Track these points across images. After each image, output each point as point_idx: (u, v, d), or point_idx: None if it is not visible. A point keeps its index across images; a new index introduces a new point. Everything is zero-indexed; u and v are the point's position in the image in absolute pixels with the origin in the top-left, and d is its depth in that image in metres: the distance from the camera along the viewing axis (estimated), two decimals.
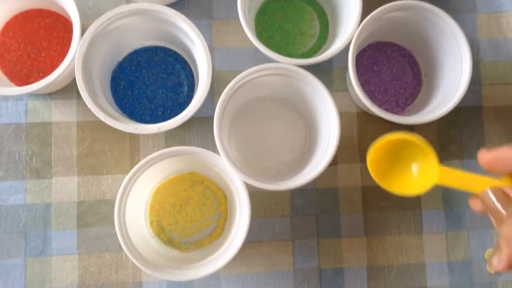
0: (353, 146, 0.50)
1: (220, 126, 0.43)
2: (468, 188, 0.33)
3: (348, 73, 0.51)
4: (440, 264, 0.49)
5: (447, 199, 0.50)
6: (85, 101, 0.42)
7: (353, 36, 0.44)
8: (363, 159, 0.50)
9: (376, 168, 0.38)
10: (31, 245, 0.47)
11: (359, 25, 0.44)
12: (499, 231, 0.26)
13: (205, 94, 0.43)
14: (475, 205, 0.34)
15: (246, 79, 0.44)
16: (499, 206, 0.27)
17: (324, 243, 0.49)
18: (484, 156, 0.28)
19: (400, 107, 0.51)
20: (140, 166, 0.43)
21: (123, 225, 0.42)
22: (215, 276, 0.48)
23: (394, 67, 0.52)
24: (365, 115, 0.51)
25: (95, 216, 0.48)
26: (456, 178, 0.34)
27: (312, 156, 0.47)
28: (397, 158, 0.39)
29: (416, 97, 0.51)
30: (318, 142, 0.47)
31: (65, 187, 0.48)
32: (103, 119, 0.42)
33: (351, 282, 0.48)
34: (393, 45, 0.52)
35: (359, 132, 0.50)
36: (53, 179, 0.48)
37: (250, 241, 0.49)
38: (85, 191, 0.48)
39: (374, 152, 0.38)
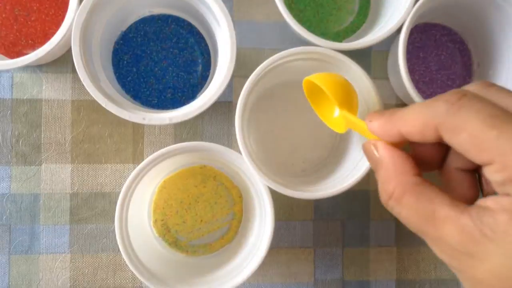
0: None
1: (242, 119, 0.36)
2: (362, 133, 0.30)
3: (390, 59, 0.44)
4: None
5: None
6: (82, 80, 0.35)
7: (408, 15, 0.37)
8: None
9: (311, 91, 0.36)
10: (16, 240, 0.41)
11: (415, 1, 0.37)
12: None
13: (226, 81, 0.36)
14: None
15: (276, 64, 0.37)
16: (369, 159, 0.27)
17: (349, 252, 0.43)
18: (367, 126, 0.27)
19: None
20: (146, 164, 0.36)
21: (125, 235, 0.35)
22: None
23: (443, 54, 0.44)
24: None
25: (91, 211, 0.42)
26: (353, 125, 0.32)
27: (343, 155, 0.41)
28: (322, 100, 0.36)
29: None
30: (351, 139, 0.41)
31: (57, 176, 0.41)
32: (103, 105, 0.35)
33: None
34: (443, 28, 0.45)
35: None
36: (43, 166, 0.41)
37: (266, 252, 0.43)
38: (80, 182, 0.42)
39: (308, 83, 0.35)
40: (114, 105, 0.35)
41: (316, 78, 0.34)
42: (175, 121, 0.35)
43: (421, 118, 0.23)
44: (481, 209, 0.21)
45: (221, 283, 0.36)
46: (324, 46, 0.37)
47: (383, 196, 0.25)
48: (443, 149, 0.26)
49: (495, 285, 0.20)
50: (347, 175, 0.37)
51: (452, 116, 0.21)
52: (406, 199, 0.23)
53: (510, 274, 0.20)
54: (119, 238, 0.35)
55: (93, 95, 0.35)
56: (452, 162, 0.25)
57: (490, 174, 0.21)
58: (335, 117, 0.35)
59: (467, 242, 0.21)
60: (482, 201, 0.21)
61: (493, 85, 0.24)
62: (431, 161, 0.26)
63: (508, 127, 0.20)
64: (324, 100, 0.36)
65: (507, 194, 0.20)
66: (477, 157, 0.21)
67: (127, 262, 0.35)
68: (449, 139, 0.22)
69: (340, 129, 0.34)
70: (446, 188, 0.25)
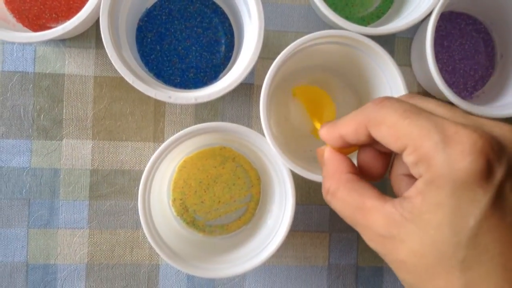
0: None
1: (267, 102, 0.36)
2: None
3: (415, 46, 0.44)
4: None
5: None
6: (110, 56, 0.35)
7: (437, 2, 0.37)
8: None
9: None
10: (35, 214, 0.41)
11: None
12: None
13: (253, 63, 0.36)
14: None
15: (302, 46, 0.37)
16: (319, 162, 0.30)
17: None
18: (321, 130, 0.30)
19: (468, 92, 0.44)
20: (171, 142, 0.36)
21: (147, 212, 0.36)
22: None
23: (467, 44, 0.44)
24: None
25: (110, 188, 0.42)
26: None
27: None
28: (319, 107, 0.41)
29: (487, 81, 0.44)
30: None
31: (77, 152, 0.41)
32: (130, 82, 0.35)
33: (390, 283, 0.44)
34: (468, 17, 0.44)
35: None
36: (64, 141, 0.41)
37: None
38: (100, 158, 0.42)
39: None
40: (141, 83, 0.35)
41: (298, 89, 0.40)
42: (200, 100, 0.35)
43: (355, 119, 0.26)
44: (402, 198, 0.23)
45: (240, 263, 0.36)
46: (352, 30, 0.37)
47: (323, 192, 0.28)
48: (382, 159, 0.28)
49: (416, 263, 0.22)
50: None
51: (376, 112, 0.25)
52: (340, 193, 0.26)
53: (427, 250, 0.22)
54: (142, 215, 0.35)
55: (120, 72, 0.34)
56: (396, 169, 0.28)
57: (406, 158, 0.23)
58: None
59: (389, 226, 0.23)
60: (405, 193, 0.23)
61: (417, 95, 0.28)
62: (373, 169, 0.29)
63: (418, 117, 0.23)
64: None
65: (420, 175, 0.23)
66: (395, 145, 0.24)
67: (149, 238, 0.35)
68: (374, 133, 0.25)
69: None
70: (396, 193, 0.28)
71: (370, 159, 0.28)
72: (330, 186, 0.27)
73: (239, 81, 0.36)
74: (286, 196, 0.37)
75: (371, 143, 0.27)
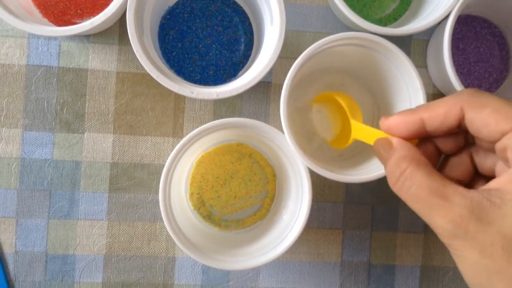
0: None
1: (287, 100, 0.37)
2: (371, 141, 0.33)
3: (431, 48, 0.44)
4: None
5: None
6: (135, 52, 0.35)
7: (455, 5, 0.38)
8: None
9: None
10: (56, 205, 0.42)
11: None
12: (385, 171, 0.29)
13: (273, 61, 0.36)
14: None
15: (323, 48, 0.37)
16: (382, 150, 0.29)
17: (377, 236, 0.44)
18: (382, 123, 0.30)
19: None
20: (191, 137, 0.37)
21: (168, 204, 0.36)
22: None
23: (482, 47, 0.45)
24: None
25: (130, 181, 0.43)
26: (363, 132, 0.35)
27: None
28: (337, 115, 0.41)
29: (501, 83, 0.45)
30: None
31: (99, 145, 0.42)
32: (155, 77, 0.35)
33: (402, 281, 0.44)
34: (484, 20, 0.45)
35: None
36: (85, 134, 0.42)
37: None
38: (121, 152, 0.43)
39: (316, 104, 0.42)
40: (164, 77, 0.36)
41: (331, 94, 0.40)
42: (222, 96, 0.36)
43: (446, 103, 0.27)
44: (486, 189, 0.24)
45: (255, 256, 0.37)
46: (371, 30, 0.38)
47: (395, 173, 0.27)
48: (435, 158, 0.29)
49: (505, 245, 0.22)
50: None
51: (476, 97, 0.26)
52: (419, 176, 0.26)
53: None
54: (162, 207, 0.36)
55: (145, 67, 0.35)
56: (448, 171, 0.29)
57: (508, 139, 0.24)
58: (341, 133, 0.41)
59: (476, 208, 0.23)
60: (484, 186, 0.24)
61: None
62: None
63: None
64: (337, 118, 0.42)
65: None
66: (496, 128, 0.24)
67: (168, 228, 0.36)
68: (472, 115, 0.25)
69: (341, 144, 0.39)
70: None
71: (427, 155, 0.29)
72: (407, 168, 0.26)
73: (259, 78, 0.36)
74: (303, 191, 0.38)
75: (448, 131, 0.27)
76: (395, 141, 0.29)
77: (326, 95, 0.42)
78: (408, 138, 0.29)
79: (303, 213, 0.37)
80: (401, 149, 0.28)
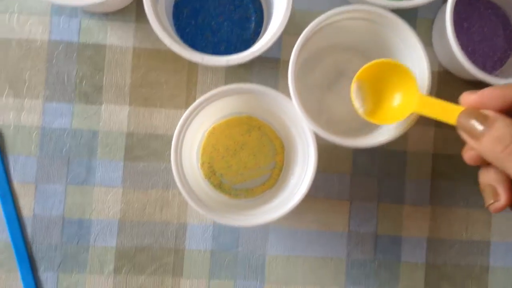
0: None
1: (295, 68, 0.38)
2: (445, 118, 0.33)
3: (436, 25, 0.46)
4: (506, 245, 0.45)
5: None
6: (150, 22, 0.38)
7: None
8: (438, 124, 0.45)
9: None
10: (73, 172, 0.44)
11: None
12: (477, 149, 0.29)
13: (281, 29, 0.39)
14: (468, 154, 0.34)
15: (327, 22, 0.39)
16: (475, 123, 0.29)
17: (384, 207, 0.45)
18: (468, 98, 0.30)
19: (487, 71, 0.46)
20: (200, 102, 0.39)
21: (179, 162, 0.38)
22: (262, 226, 0.45)
23: (486, 27, 0.46)
24: (447, 76, 0.46)
25: (144, 151, 0.45)
26: (434, 106, 0.34)
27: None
28: (379, 87, 0.38)
29: (505, 62, 0.46)
30: None
31: (115, 116, 0.45)
32: (168, 44, 0.38)
33: (409, 252, 0.45)
34: (487, 2, 0.46)
35: (438, 94, 0.46)
36: (103, 106, 0.45)
37: (305, 196, 0.45)
38: (136, 123, 0.45)
39: (360, 76, 0.38)
40: (177, 45, 0.38)
41: (391, 60, 0.37)
42: (231, 63, 0.38)
43: None
44: None
45: (264, 215, 0.39)
46: (378, 3, 0.39)
47: (505, 140, 0.28)
48: None
49: None
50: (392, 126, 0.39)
51: None
52: None
53: None
54: (174, 165, 0.38)
55: (158, 34, 0.38)
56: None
57: None
58: (395, 107, 0.38)
59: None
60: None
61: None
62: None
63: None
64: (376, 93, 0.39)
65: None
66: None
67: (179, 186, 0.37)
68: None
69: (401, 115, 0.37)
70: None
71: None
72: None
73: (268, 46, 0.38)
74: (309, 155, 0.39)
75: None
76: (491, 113, 0.30)
77: (380, 64, 0.38)
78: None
79: (310, 170, 0.38)
80: (503, 119, 0.29)
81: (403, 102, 0.38)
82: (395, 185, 0.45)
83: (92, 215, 0.44)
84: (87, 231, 0.44)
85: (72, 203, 0.44)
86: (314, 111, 0.45)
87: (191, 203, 0.38)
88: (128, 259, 0.44)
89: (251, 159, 0.45)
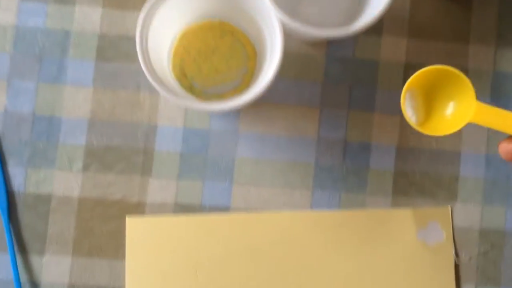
0: (402, 19, 0.46)
1: None
2: (506, 128, 0.32)
3: None
4: (476, 156, 0.45)
5: (495, 91, 0.46)
6: None
7: None
8: (411, 34, 0.46)
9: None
10: (45, 70, 0.44)
11: None
12: None
13: None
14: (505, 150, 0.33)
15: None
16: None
17: (354, 115, 0.45)
18: (506, 148, 0.30)
19: None
20: None
21: (147, 59, 0.37)
22: (233, 131, 0.45)
23: None
24: None
25: (116, 52, 0.45)
26: (493, 115, 0.33)
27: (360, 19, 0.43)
28: (432, 95, 0.36)
29: None
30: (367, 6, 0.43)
31: (88, 17, 0.45)
32: None
33: (377, 159, 0.45)
34: None
35: (412, 3, 0.46)
36: (77, 6, 0.45)
37: (276, 103, 0.45)
38: (108, 24, 0.45)
39: (412, 83, 0.35)
40: None
41: (446, 67, 0.34)
42: None
43: None
44: None
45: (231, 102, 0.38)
46: None
47: None
48: None
49: None
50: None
51: None
52: None
53: None
54: (141, 58, 0.37)
55: None
56: None
57: None
58: (448, 116, 0.36)
59: None
60: None
61: None
62: None
63: None
64: (428, 103, 0.37)
65: None
66: None
67: (148, 75, 0.37)
68: None
69: (456, 126, 0.34)
70: None
71: None
72: None
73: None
74: (275, 42, 0.38)
75: None
76: None
77: (433, 70, 0.35)
78: None
79: (276, 57, 0.37)
80: None
81: (457, 111, 0.35)
82: (366, 94, 0.45)
83: (62, 113, 0.44)
84: (57, 128, 0.44)
85: (43, 100, 0.44)
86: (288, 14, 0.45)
87: (159, 89, 0.38)
88: (97, 158, 0.44)
89: (222, 63, 0.45)
